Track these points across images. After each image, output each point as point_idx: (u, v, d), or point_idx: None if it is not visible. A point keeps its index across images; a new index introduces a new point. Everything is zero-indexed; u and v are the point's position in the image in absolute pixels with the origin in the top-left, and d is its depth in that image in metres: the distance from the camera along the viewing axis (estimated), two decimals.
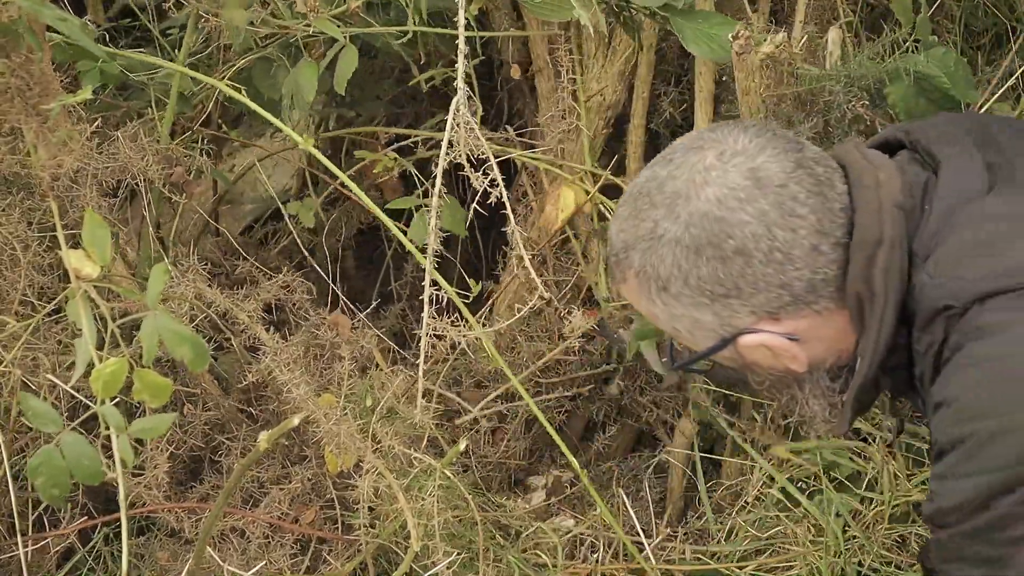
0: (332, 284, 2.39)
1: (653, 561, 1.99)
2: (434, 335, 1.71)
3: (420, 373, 1.82)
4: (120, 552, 1.54)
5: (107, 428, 1.36)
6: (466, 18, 1.48)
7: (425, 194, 2.10)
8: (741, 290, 1.39)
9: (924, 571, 1.47)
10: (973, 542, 1.32)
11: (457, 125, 1.46)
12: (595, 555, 2.08)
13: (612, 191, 2.20)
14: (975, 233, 1.34)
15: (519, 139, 2.26)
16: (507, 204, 1.62)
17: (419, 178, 2.20)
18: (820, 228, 1.37)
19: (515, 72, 2.24)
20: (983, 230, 1.34)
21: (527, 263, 1.67)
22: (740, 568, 2.02)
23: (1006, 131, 1.48)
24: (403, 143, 2.34)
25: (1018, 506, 1.27)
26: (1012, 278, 1.28)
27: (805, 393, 1.53)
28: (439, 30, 1.91)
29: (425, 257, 1.69)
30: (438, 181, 1.53)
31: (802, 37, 1.92)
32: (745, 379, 1.69)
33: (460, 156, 1.54)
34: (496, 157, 2.12)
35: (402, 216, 2.35)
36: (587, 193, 2.14)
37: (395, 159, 2.21)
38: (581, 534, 2.12)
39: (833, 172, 1.41)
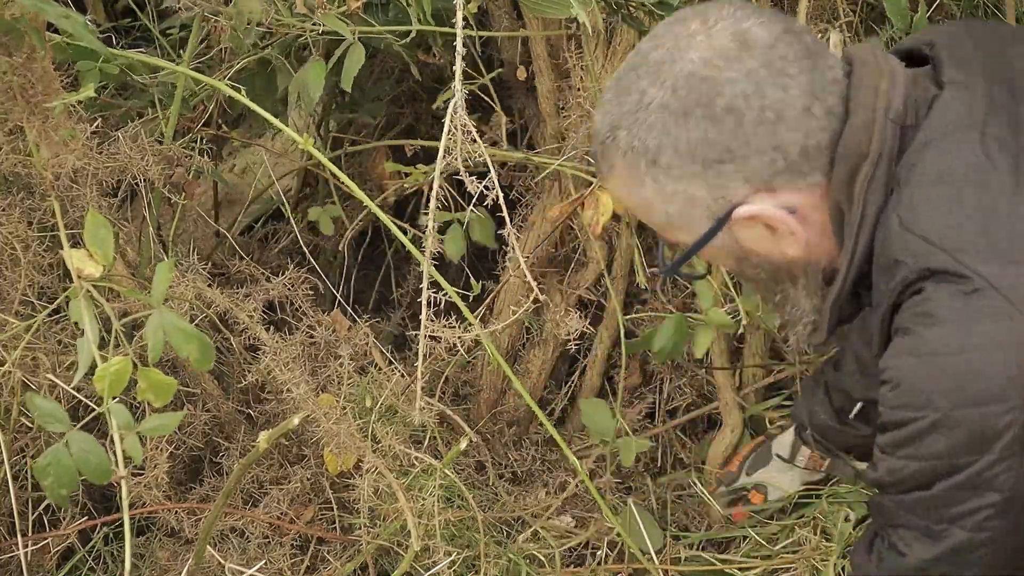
0: (331, 285, 2.39)
1: (656, 561, 1.99)
2: (431, 336, 1.71)
3: (419, 373, 1.82)
4: (120, 552, 1.54)
5: (114, 427, 1.36)
6: (464, 18, 1.47)
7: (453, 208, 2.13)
8: (733, 153, 1.33)
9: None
10: (912, 514, 1.37)
11: (454, 128, 1.45)
12: (598, 552, 2.08)
13: None
14: (940, 181, 1.31)
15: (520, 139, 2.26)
16: (503, 208, 1.62)
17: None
18: (811, 90, 1.33)
19: (521, 73, 2.24)
20: (951, 182, 1.31)
21: (523, 265, 1.67)
22: (743, 570, 2.02)
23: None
24: (401, 142, 2.35)
25: (954, 490, 1.31)
26: (965, 254, 1.26)
27: (798, 289, 1.49)
28: (442, 29, 1.91)
29: (424, 258, 1.69)
30: (436, 183, 1.53)
31: None
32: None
33: (457, 161, 1.53)
34: (514, 164, 2.15)
35: (403, 217, 2.36)
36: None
37: (425, 172, 2.20)
38: (581, 534, 2.12)
39: (822, 46, 1.37)
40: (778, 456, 2.12)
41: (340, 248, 2.41)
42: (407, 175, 2.25)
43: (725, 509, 2.16)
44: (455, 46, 1.57)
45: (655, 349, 2.04)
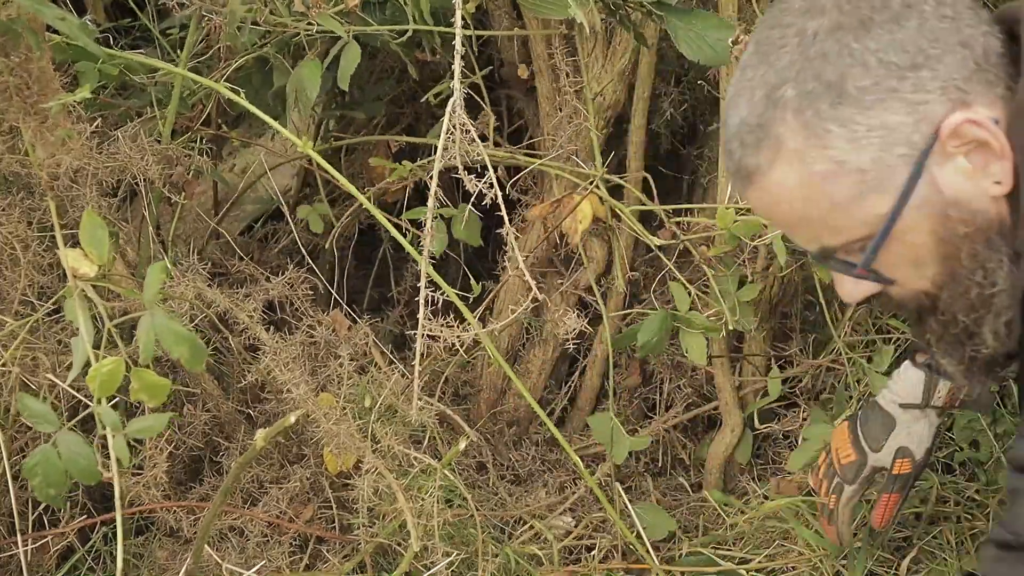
0: (330, 285, 2.39)
1: (655, 561, 1.99)
2: (429, 335, 1.71)
3: (416, 373, 1.82)
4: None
5: (104, 428, 1.36)
6: (463, 17, 1.48)
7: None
8: (927, 53, 1.17)
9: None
10: None
11: (453, 128, 1.46)
12: (593, 553, 2.08)
13: (618, 193, 2.21)
14: None
15: (519, 140, 2.26)
16: (502, 207, 1.62)
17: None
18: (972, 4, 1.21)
19: (522, 72, 2.23)
20: None
21: (522, 265, 1.67)
22: (744, 569, 2.02)
23: None
24: (399, 139, 2.35)
25: None
26: None
27: (1001, 254, 1.24)
28: (439, 28, 1.91)
29: (422, 257, 1.69)
30: (434, 183, 1.53)
31: None
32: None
33: (455, 159, 1.53)
34: (505, 164, 2.15)
35: (402, 216, 2.35)
36: (601, 201, 2.14)
37: (411, 169, 2.20)
38: (581, 534, 2.12)
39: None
40: (907, 406, 1.76)
41: (327, 245, 2.41)
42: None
43: (851, 526, 1.85)
44: (453, 45, 1.58)
45: (639, 344, 2.03)
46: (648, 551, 1.98)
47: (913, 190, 1.20)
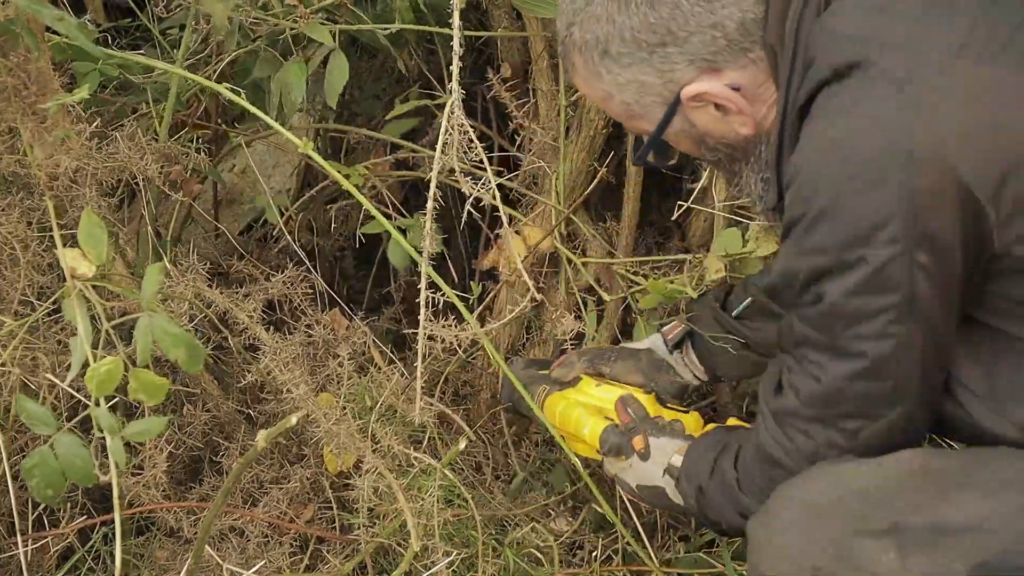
0: (327, 285, 2.38)
1: (656, 562, 1.99)
2: (429, 336, 1.71)
3: (418, 373, 1.81)
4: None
5: (101, 430, 1.36)
6: (461, 18, 1.47)
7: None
8: (675, 35, 1.41)
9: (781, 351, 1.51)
10: (816, 330, 1.39)
11: (451, 128, 1.45)
12: (594, 554, 2.07)
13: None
14: None
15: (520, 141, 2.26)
16: (500, 209, 1.62)
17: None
18: None
19: (506, 71, 2.24)
20: None
21: (519, 264, 1.67)
22: (744, 569, 2.02)
23: None
24: (399, 140, 2.34)
25: (850, 296, 1.33)
26: (867, 45, 1.31)
27: (750, 166, 1.55)
28: (428, 28, 1.91)
29: (423, 258, 1.69)
30: (433, 184, 1.53)
31: None
32: None
33: (453, 160, 1.53)
34: (515, 165, 2.15)
35: (358, 230, 2.36)
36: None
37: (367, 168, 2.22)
38: (579, 535, 2.12)
39: None
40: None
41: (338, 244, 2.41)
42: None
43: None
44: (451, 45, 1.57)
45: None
46: (649, 552, 1.98)
47: (669, 123, 1.50)
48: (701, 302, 1.95)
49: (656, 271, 2.12)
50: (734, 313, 1.89)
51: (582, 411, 1.88)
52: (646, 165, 1.88)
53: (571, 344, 2.09)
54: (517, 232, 2.18)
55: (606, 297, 2.17)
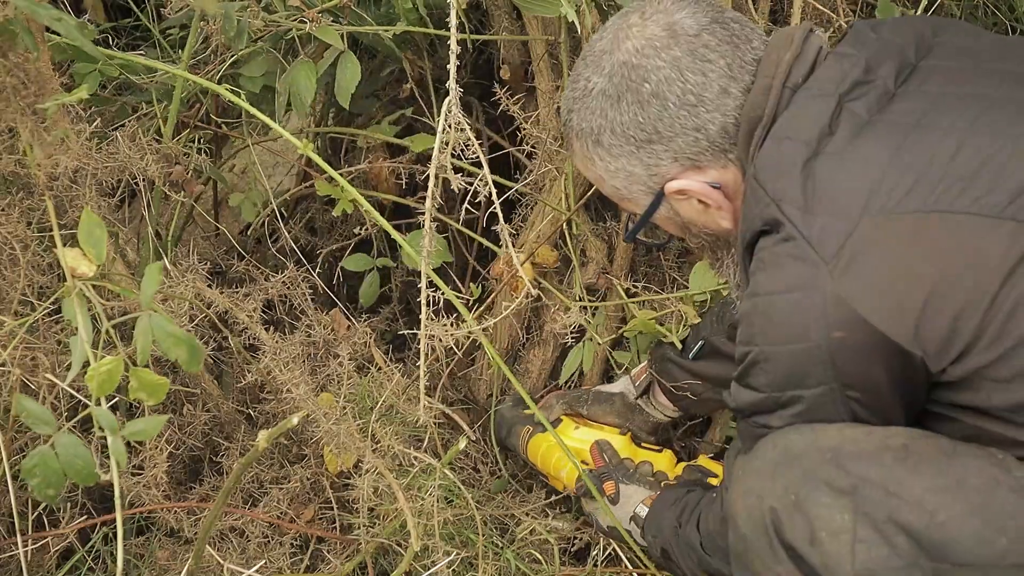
0: (325, 286, 2.38)
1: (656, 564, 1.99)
2: (429, 336, 1.71)
3: (422, 372, 1.81)
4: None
5: (101, 429, 1.36)
6: (459, 18, 1.47)
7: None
8: (660, 134, 1.50)
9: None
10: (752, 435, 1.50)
11: (448, 127, 1.45)
12: (594, 554, 2.07)
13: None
14: (785, 138, 1.42)
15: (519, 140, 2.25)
16: (497, 206, 1.62)
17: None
18: (730, 73, 1.48)
19: (504, 73, 2.24)
20: (793, 138, 1.41)
21: (516, 262, 1.67)
22: None
23: (954, 57, 1.50)
24: (398, 140, 2.34)
25: (768, 416, 1.45)
26: (786, 204, 1.38)
27: (731, 256, 1.65)
28: (429, 31, 1.91)
29: (423, 259, 1.69)
30: (431, 184, 1.53)
31: None
32: None
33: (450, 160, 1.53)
34: (514, 165, 2.14)
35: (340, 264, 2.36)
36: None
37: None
38: (578, 536, 2.12)
39: (752, 32, 1.52)
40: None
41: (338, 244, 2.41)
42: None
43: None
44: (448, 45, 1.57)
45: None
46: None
47: (655, 211, 1.60)
48: (661, 348, 2.08)
49: (647, 289, 2.15)
50: (691, 356, 2.01)
51: (561, 455, 2.02)
52: (637, 243, 1.98)
53: (572, 339, 2.10)
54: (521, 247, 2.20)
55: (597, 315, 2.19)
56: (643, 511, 1.91)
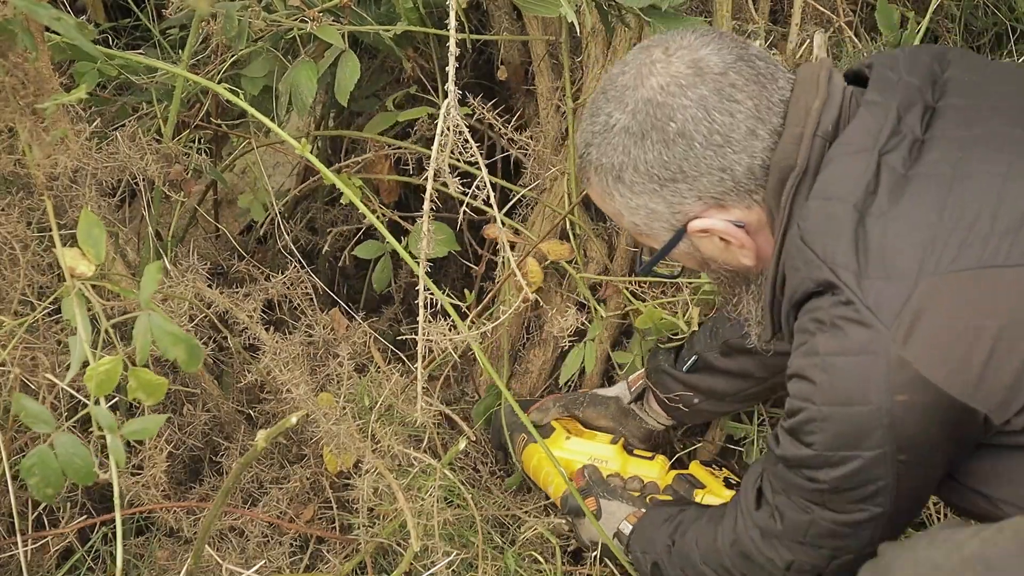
0: (325, 286, 2.38)
1: None
2: (427, 338, 1.71)
3: (419, 374, 1.81)
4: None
5: (100, 428, 1.36)
6: (458, 18, 1.47)
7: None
8: (686, 173, 1.47)
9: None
10: (800, 492, 1.52)
11: (447, 129, 1.45)
12: (595, 554, 2.07)
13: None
14: (828, 197, 1.42)
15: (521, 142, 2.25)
16: (496, 210, 1.62)
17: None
18: (757, 114, 1.46)
19: (502, 74, 2.24)
20: (837, 198, 1.41)
21: (513, 265, 1.67)
22: None
23: (967, 93, 1.49)
24: (398, 143, 2.34)
25: (832, 482, 1.45)
26: (841, 269, 1.38)
27: (749, 293, 1.63)
28: (431, 30, 1.91)
29: (420, 261, 1.69)
30: (429, 184, 1.53)
31: (800, 39, 1.92)
32: None
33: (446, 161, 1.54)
34: (514, 164, 2.14)
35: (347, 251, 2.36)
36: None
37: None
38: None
39: (776, 69, 1.50)
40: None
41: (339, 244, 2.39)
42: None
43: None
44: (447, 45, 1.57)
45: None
46: None
47: (674, 247, 1.57)
48: (656, 358, 2.08)
49: (653, 289, 2.15)
50: (684, 369, 2.02)
51: (550, 469, 2.06)
52: (651, 276, 1.97)
53: (571, 341, 2.10)
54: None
55: (603, 312, 2.19)
56: (627, 528, 1.92)
